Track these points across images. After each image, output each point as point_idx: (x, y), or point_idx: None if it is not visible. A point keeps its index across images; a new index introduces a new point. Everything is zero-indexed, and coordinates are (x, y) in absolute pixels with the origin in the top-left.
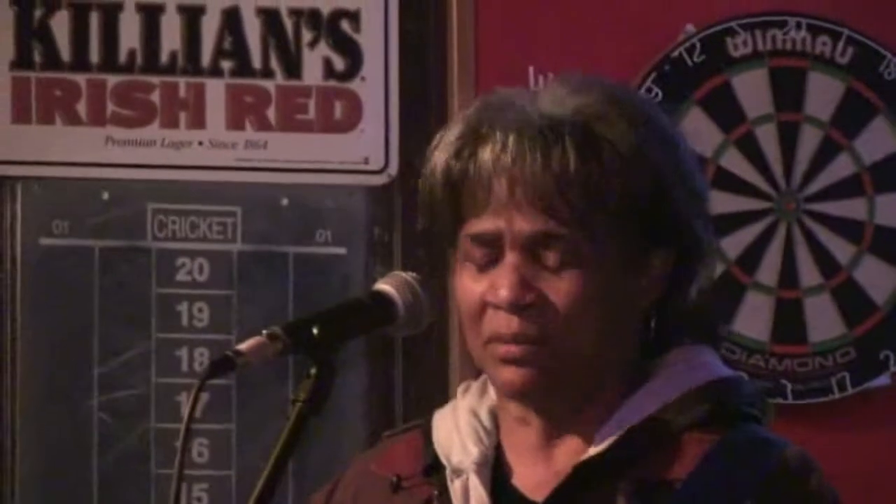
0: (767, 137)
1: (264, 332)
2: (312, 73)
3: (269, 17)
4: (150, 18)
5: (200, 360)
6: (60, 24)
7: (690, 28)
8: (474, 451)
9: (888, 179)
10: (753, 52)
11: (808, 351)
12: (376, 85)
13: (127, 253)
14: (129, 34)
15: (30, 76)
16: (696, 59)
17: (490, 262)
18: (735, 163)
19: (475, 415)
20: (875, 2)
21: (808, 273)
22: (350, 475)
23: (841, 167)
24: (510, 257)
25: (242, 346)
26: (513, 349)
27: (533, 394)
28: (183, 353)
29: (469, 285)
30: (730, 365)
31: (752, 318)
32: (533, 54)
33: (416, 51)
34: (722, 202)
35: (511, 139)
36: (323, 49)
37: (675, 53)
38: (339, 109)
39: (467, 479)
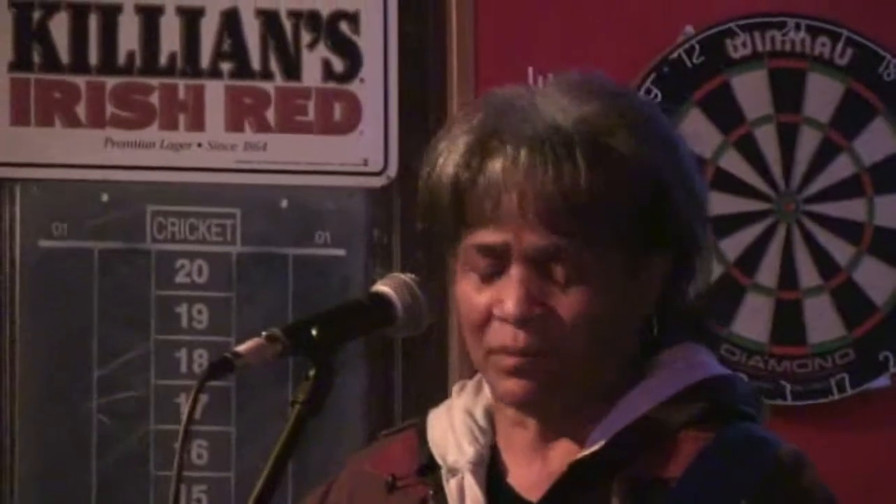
0: (767, 138)
1: (263, 333)
2: (312, 74)
3: (269, 19)
4: (149, 20)
5: (200, 361)
6: (59, 26)
7: (690, 29)
8: (469, 451)
9: (887, 180)
10: (753, 54)
11: (808, 352)
12: (375, 86)
13: (126, 255)
14: (129, 36)
15: (29, 78)
16: (695, 61)
17: (494, 272)
18: (734, 164)
19: (470, 414)
20: (874, 3)
21: (808, 274)
22: (345, 475)
23: (840, 168)
24: (517, 270)
25: (241, 348)
26: (518, 361)
27: (534, 404)
28: (182, 354)
29: (472, 294)
30: (729, 366)
31: (752, 320)
32: (532, 56)
33: (416, 52)
34: (721, 203)
35: (523, 153)
36: (322, 51)
37: (675, 55)
38: (338, 111)
39: (462, 478)
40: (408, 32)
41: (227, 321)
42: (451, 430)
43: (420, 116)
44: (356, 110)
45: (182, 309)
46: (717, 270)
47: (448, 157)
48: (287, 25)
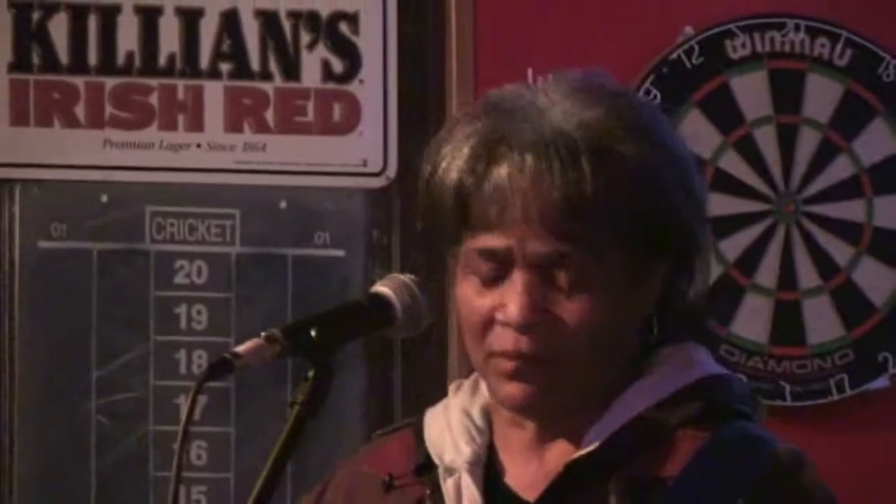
0: (766, 139)
1: (263, 334)
2: (311, 75)
3: (268, 20)
4: (149, 21)
5: (199, 362)
6: (59, 27)
7: (689, 30)
8: (466, 451)
9: (887, 181)
10: (752, 54)
11: (807, 353)
12: (375, 87)
13: (125, 255)
14: (128, 36)
15: (28, 79)
16: (694, 61)
17: (497, 277)
18: (734, 165)
19: (467, 414)
20: (874, 4)
21: (807, 275)
22: (341, 475)
23: (840, 169)
24: (520, 276)
25: (241, 349)
26: (519, 366)
27: (533, 409)
28: (181, 355)
29: (473, 298)
30: (729, 367)
31: (751, 320)
32: (531, 56)
33: (415, 53)
34: (721, 204)
35: (529, 160)
36: (321, 51)
37: (674, 55)
38: (337, 112)
39: (459, 478)
40: (407, 33)
41: (227, 322)
42: (447, 430)
43: (419, 117)
44: (355, 111)
45: (181, 310)
46: (716, 271)
47: (452, 161)
48: (286, 26)
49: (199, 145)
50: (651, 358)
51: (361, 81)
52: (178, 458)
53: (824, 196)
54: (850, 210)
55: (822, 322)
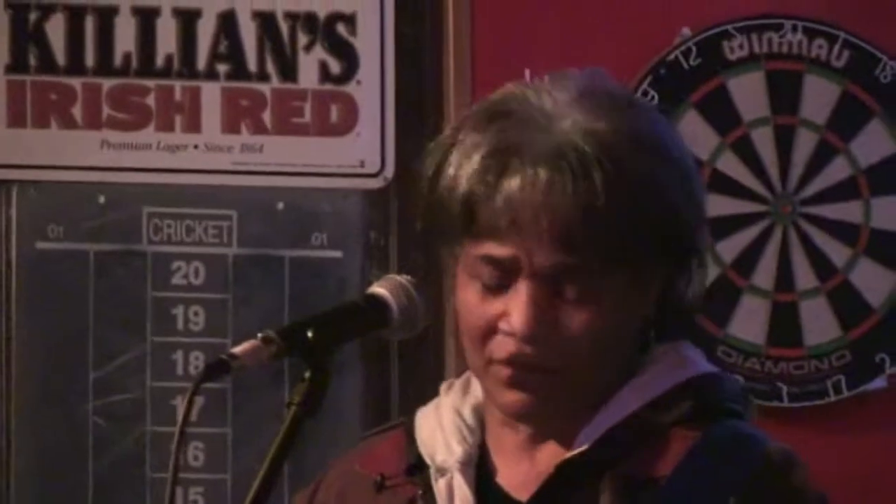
0: (763, 140)
1: (259, 335)
2: (308, 76)
3: (265, 21)
4: (146, 22)
5: (196, 363)
6: (56, 28)
7: (686, 31)
8: (458, 450)
9: (884, 182)
10: (749, 55)
11: (804, 354)
12: (372, 88)
13: (122, 256)
14: (125, 37)
15: (25, 80)
16: (692, 62)
17: (501, 285)
18: (731, 166)
19: (459, 413)
20: (871, 5)
21: (804, 276)
22: (333, 475)
23: (837, 170)
24: (526, 286)
25: (237, 350)
26: (520, 374)
27: (532, 417)
28: (178, 356)
29: (476, 304)
30: (726, 368)
31: (748, 322)
32: (529, 57)
33: (412, 54)
34: (718, 205)
35: (542, 174)
36: (319, 52)
37: (671, 56)
38: (334, 113)
39: (451, 478)
40: (404, 34)
41: (224, 323)
42: (439, 430)
43: (417, 118)
44: (353, 112)
45: (178, 311)
46: (713, 272)
47: (460, 168)
48: (283, 27)
49: (196, 146)
50: (645, 356)
51: (359, 82)
52: (175, 459)
53: (821, 197)
54: (848, 211)
55: (819, 323)
